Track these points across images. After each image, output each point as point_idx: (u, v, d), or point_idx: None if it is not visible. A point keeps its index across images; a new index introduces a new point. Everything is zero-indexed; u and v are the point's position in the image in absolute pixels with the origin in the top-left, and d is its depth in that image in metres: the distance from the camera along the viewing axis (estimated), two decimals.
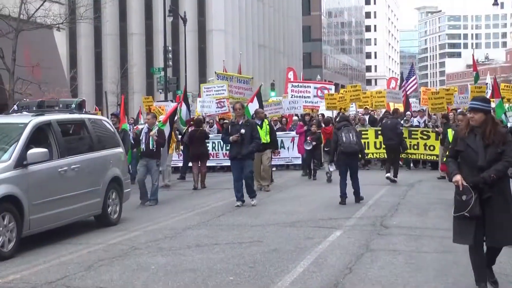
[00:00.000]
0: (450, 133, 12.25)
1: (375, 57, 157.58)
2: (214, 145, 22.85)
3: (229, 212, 13.21)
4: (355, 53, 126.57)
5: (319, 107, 26.11)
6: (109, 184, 12.09)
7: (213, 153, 22.90)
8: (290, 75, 33.29)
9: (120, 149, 13.00)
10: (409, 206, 13.61)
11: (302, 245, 9.57)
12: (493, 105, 19.61)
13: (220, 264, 8.46)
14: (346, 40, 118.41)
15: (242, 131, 13.70)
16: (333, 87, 28.33)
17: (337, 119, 19.08)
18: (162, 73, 40.80)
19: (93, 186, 11.57)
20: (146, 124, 15.68)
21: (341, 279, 7.62)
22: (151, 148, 14.97)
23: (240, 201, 13.88)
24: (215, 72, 29.15)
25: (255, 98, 22.67)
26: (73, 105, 12.04)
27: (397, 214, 12.64)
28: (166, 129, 16.68)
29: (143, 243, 10.05)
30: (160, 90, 43.56)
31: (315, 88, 26.50)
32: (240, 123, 13.95)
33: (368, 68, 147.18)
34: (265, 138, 16.60)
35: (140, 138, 15.27)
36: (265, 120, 17.46)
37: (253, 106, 22.16)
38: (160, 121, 16.51)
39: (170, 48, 44.64)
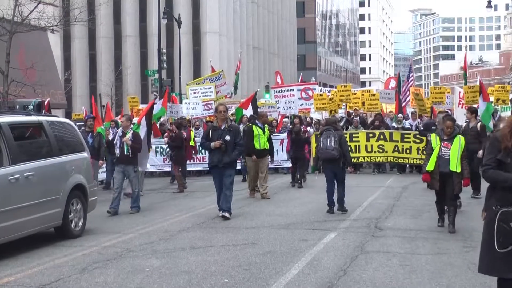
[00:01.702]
0: (434, 138, 11.00)
1: (370, 59, 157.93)
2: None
3: None
4: (349, 55, 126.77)
5: (309, 109, 25.43)
6: (70, 193, 10.96)
7: (199, 157, 22.48)
8: (279, 79, 32.95)
9: (84, 154, 11.92)
10: (404, 208, 13.63)
11: (296, 247, 9.58)
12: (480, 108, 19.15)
13: (214, 266, 8.46)
14: (341, 42, 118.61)
15: (227, 137, 12.50)
16: (316, 86, 27.53)
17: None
18: (157, 76, 40.78)
19: (52, 195, 10.44)
20: (120, 128, 14.62)
21: (335, 281, 7.63)
22: (125, 153, 13.90)
23: (227, 212, 12.64)
24: (187, 84, 28.62)
25: (250, 105, 22.21)
26: (31, 106, 10.83)
27: (391, 216, 12.66)
28: (142, 130, 15.16)
29: (138, 246, 10.04)
30: (154, 93, 43.49)
31: (298, 90, 25.76)
32: (222, 127, 12.70)
33: (363, 70, 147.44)
34: (266, 143, 15.92)
35: (114, 142, 14.35)
36: (266, 125, 16.49)
37: (247, 113, 21.87)
38: (134, 123, 15.13)
39: (164, 50, 44.59)
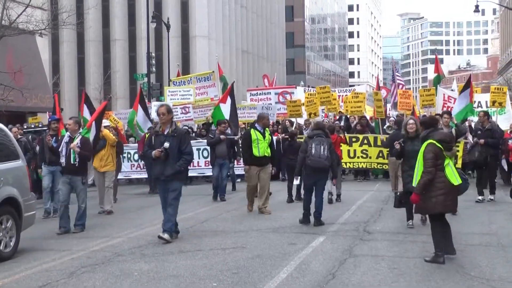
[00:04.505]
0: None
1: (358, 63, 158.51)
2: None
3: (212, 218, 13.19)
4: (338, 59, 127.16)
5: (286, 114, 23.36)
6: None
7: (141, 164, 21.20)
8: (266, 82, 32.24)
9: (19, 163, 10.43)
10: (392, 212, 13.61)
11: (285, 251, 9.58)
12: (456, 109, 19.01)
13: (203, 270, 8.44)
14: (329, 46, 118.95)
15: (166, 144, 10.49)
16: (295, 91, 25.97)
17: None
18: (146, 79, 40.69)
19: None
20: (67, 133, 12.61)
21: (324, 285, 7.63)
22: (72, 162, 12.04)
23: (167, 233, 10.69)
24: (170, 80, 27.61)
25: (228, 98, 20.54)
26: None
27: (380, 219, 12.69)
28: (92, 135, 13.39)
29: (126, 250, 10.01)
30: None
31: (276, 94, 24.71)
32: (165, 133, 10.70)
33: (351, 74, 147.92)
34: (267, 150, 13.79)
35: (60, 149, 12.32)
36: (267, 129, 14.23)
37: (226, 108, 20.43)
38: (85, 127, 13.35)
39: (153, 54, 44.53)
